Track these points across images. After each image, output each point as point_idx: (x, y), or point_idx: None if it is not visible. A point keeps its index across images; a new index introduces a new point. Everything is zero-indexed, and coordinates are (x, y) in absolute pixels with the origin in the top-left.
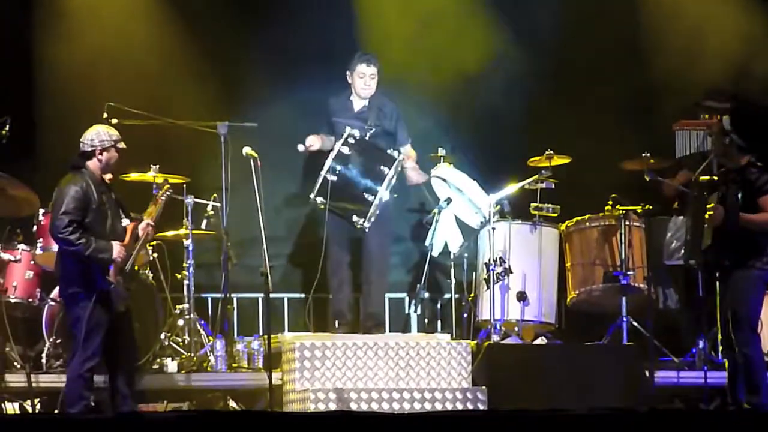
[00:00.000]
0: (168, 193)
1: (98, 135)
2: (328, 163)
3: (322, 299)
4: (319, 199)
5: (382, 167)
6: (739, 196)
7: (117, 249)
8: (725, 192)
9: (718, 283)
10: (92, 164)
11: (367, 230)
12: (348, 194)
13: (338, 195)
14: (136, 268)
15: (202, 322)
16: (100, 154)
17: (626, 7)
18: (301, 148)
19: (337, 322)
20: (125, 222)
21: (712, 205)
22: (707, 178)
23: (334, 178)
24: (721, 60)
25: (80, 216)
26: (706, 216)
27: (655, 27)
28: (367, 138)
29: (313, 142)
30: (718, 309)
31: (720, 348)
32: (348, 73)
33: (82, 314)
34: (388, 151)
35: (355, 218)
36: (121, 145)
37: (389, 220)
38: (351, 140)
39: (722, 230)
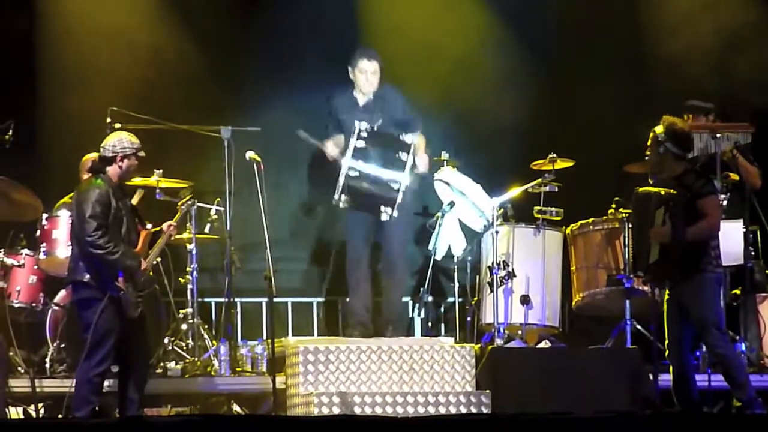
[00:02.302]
0: (189, 203)
1: (120, 142)
2: (347, 161)
3: (334, 302)
4: (344, 197)
5: (400, 153)
6: (683, 210)
7: (142, 260)
8: (672, 208)
9: (667, 293)
10: (112, 170)
11: (394, 218)
12: (373, 187)
13: (363, 190)
14: (150, 273)
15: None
16: (121, 160)
17: (627, 7)
18: (333, 152)
19: (350, 324)
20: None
21: (660, 219)
22: (654, 189)
23: (356, 173)
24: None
25: (105, 220)
26: (652, 231)
27: (656, 27)
28: (376, 129)
29: (334, 152)
30: (665, 317)
31: (666, 353)
32: (350, 69)
33: (94, 320)
34: (401, 137)
35: (382, 208)
36: (142, 153)
37: (409, 208)
38: (364, 134)
39: (669, 245)
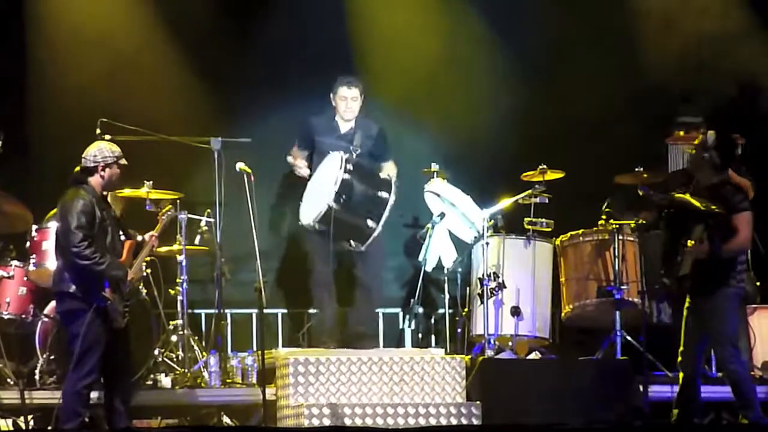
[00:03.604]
0: (169, 213)
1: (101, 151)
2: (333, 191)
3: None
4: (318, 226)
5: (381, 193)
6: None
7: (128, 271)
8: (712, 227)
9: (687, 301)
10: (94, 180)
11: (365, 250)
12: (350, 220)
13: (340, 221)
14: (137, 285)
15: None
16: (102, 170)
17: (618, 16)
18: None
19: (322, 340)
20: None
21: (699, 235)
22: (696, 203)
23: (337, 206)
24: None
25: (91, 231)
26: (689, 245)
27: (646, 36)
28: (356, 157)
29: (303, 167)
30: (683, 328)
31: (678, 359)
32: (331, 95)
33: (80, 331)
34: (383, 176)
35: (352, 242)
36: (123, 161)
37: (382, 239)
38: (350, 166)
39: (704, 260)
